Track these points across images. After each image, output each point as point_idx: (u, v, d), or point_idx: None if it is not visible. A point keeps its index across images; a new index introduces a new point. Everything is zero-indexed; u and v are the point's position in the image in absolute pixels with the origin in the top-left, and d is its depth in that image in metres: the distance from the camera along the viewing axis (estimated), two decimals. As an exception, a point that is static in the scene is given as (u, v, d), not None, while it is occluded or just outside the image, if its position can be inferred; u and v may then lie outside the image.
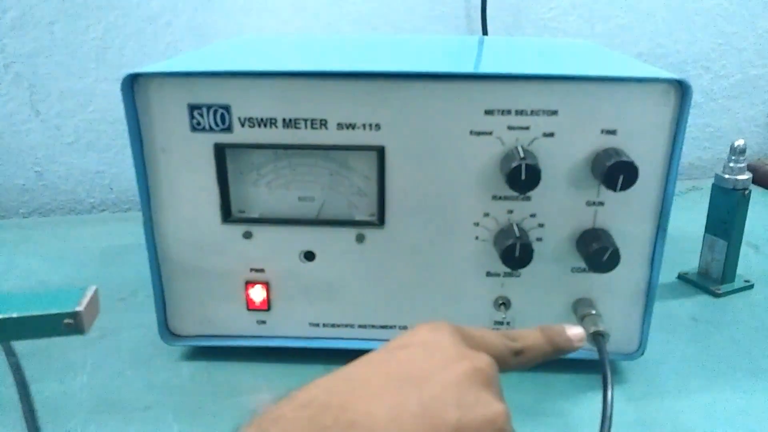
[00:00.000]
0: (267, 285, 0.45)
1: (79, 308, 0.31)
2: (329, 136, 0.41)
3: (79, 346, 0.48)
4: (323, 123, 0.40)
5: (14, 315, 0.31)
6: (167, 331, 0.46)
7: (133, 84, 0.40)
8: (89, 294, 0.33)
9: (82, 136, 0.76)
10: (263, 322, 0.46)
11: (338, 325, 0.46)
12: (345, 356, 0.46)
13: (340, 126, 0.40)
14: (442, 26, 0.81)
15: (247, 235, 0.44)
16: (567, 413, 0.41)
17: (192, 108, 0.41)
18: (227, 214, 0.43)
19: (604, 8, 0.84)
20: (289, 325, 0.46)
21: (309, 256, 0.44)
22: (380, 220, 0.43)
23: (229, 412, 0.41)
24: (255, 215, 0.43)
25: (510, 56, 0.53)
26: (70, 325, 0.31)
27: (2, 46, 0.71)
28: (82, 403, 0.42)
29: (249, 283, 0.45)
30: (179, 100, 0.40)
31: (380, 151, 0.41)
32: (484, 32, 0.80)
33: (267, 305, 0.45)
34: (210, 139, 0.41)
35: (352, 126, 0.40)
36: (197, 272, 0.45)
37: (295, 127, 0.41)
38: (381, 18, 0.79)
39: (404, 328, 0.46)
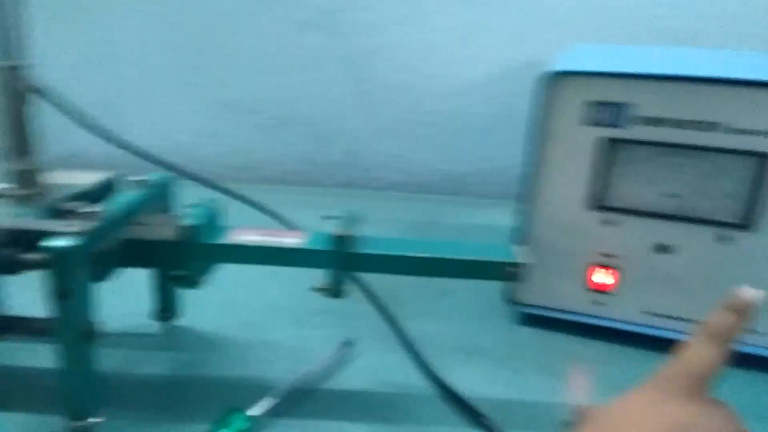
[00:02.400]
0: (615, 270, 0.49)
1: (522, 260, 0.38)
2: (714, 139, 0.44)
3: (426, 299, 0.57)
4: (712, 126, 0.43)
5: (472, 258, 0.38)
6: (512, 297, 0.52)
7: (548, 80, 0.46)
8: (522, 251, 0.39)
9: (392, 125, 0.87)
10: (602, 303, 0.50)
11: (674, 318, 0.49)
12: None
13: (727, 130, 0.43)
14: (742, 44, 0.79)
15: (608, 222, 0.48)
16: None
17: (591, 104, 0.46)
18: (594, 202, 0.48)
19: None
20: (626, 310, 0.50)
21: (664, 249, 0.48)
22: (746, 224, 0.44)
23: (565, 375, 0.47)
24: (619, 205, 0.48)
25: None
26: (511, 273, 0.38)
27: (344, 41, 0.84)
28: (445, 344, 0.50)
29: (596, 266, 0.50)
30: (580, 96, 0.46)
31: (764, 158, 0.43)
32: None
33: (610, 288, 0.50)
34: (599, 133, 0.46)
35: (740, 131, 0.43)
36: (552, 249, 0.50)
37: (683, 128, 0.44)
38: (681, 32, 0.79)
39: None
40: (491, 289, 0.57)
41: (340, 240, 0.38)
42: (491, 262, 0.38)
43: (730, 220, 0.45)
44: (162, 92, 0.90)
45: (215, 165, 0.92)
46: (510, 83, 0.84)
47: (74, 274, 0.34)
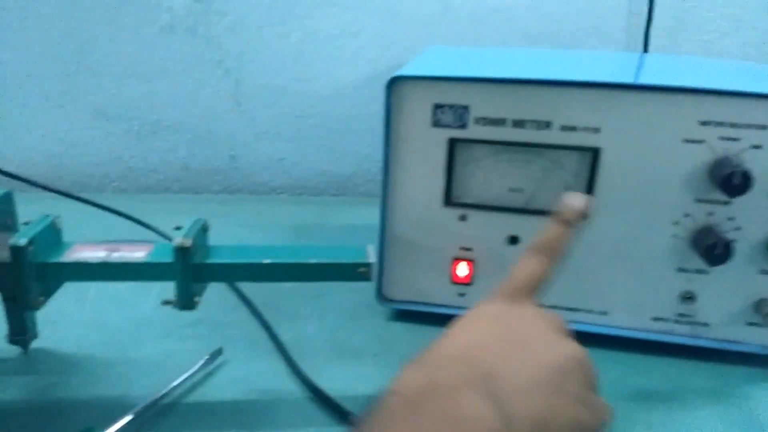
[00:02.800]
0: (472, 262, 0.52)
1: (371, 260, 0.39)
2: (551, 137, 0.47)
3: (301, 302, 0.57)
4: (547, 124, 0.47)
5: (321, 261, 0.39)
6: (382, 295, 0.54)
7: (392, 84, 0.48)
8: (371, 251, 0.40)
9: (272, 128, 0.87)
10: (463, 294, 0.53)
11: (533, 304, 0.52)
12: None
13: (563, 128, 0.47)
14: (599, 42, 0.85)
15: (463, 218, 0.51)
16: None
17: (436, 107, 0.48)
18: (449, 199, 0.50)
19: (762, 34, 0.85)
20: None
21: (514, 240, 0.51)
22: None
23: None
24: (471, 201, 0.50)
25: (700, 72, 0.58)
26: (363, 272, 0.39)
27: (218, 44, 0.83)
28: (318, 346, 0.50)
29: (456, 260, 0.52)
30: (426, 99, 0.48)
31: (595, 152, 0.47)
32: (645, 49, 0.83)
33: (469, 280, 0.52)
34: (446, 134, 0.49)
35: (573, 128, 0.46)
36: (414, 247, 0.52)
37: (522, 127, 0.47)
38: (543, 33, 0.85)
39: (590, 312, 0.51)
40: (366, 288, 0.58)
41: (184, 251, 0.38)
42: (342, 264, 0.39)
43: (570, 210, 0.49)
44: (24, 102, 0.84)
45: (87, 176, 0.88)
46: (383, 84, 0.86)
47: None
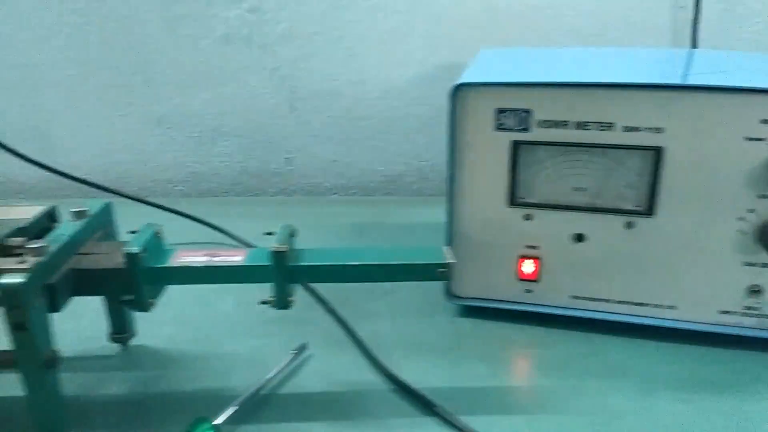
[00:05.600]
0: (538, 260, 0.54)
1: (451, 261, 0.42)
2: (613, 137, 0.49)
3: (372, 299, 0.60)
4: (610, 125, 0.49)
5: (403, 262, 0.42)
6: (450, 293, 0.57)
7: (456, 91, 0.50)
8: (449, 251, 0.43)
9: (324, 130, 0.90)
10: (530, 291, 0.55)
11: (598, 299, 0.54)
12: (601, 327, 0.55)
13: (626, 129, 0.48)
14: (645, 38, 0.86)
15: (527, 217, 0.53)
16: None
17: (499, 111, 0.50)
18: (513, 199, 0.53)
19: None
20: (553, 296, 0.55)
21: (579, 237, 0.53)
22: (649, 210, 0.50)
23: (509, 360, 0.51)
24: (535, 201, 0.53)
25: (755, 70, 0.58)
26: (443, 273, 0.42)
27: (272, 52, 0.86)
28: (393, 342, 0.53)
29: (522, 257, 0.54)
30: (489, 105, 0.50)
31: (658, 151, 0.48)
32: (694, 44, 0.84)
33: (536, 277, 0.55)
34: (509, 137, 0.51)
35: (636, 129, 0.48)
36: (481, 246, 0.54)
37: (585, 129, 0.49)
38: (588, 30, 0.86)
39: (659, 306, 0.53)
40: (430, 286, 0.60)
41: (279, 255, 0.41)
42: (423, 265, 0.42)
43: (634, 207, 0.51)
44: (90, 113, 0.89)
45: (152, 181, 0.93)
46: (432, 85, 0.88)
47: (28, 308, 0.35)
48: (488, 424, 0.43)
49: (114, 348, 0.52)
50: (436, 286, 0.60)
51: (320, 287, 0.61)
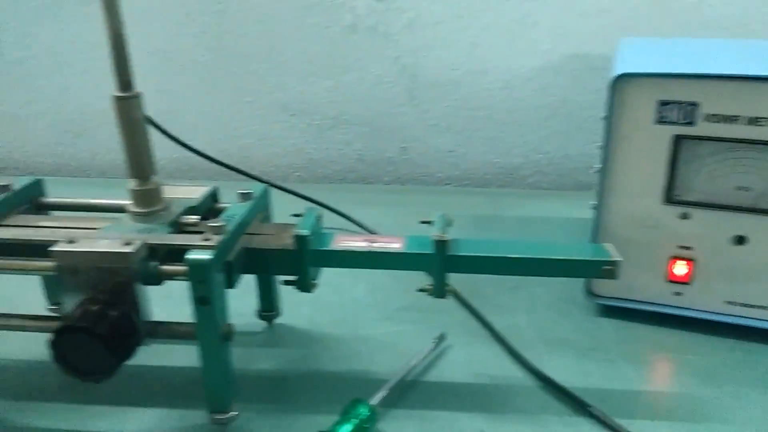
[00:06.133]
0: (692, 261, 0.51)
1: (618, 258, 0.40)
2: (791, 134, 0.45)
3: (503, 292, 0.59)
4: (786, 122, 0.45)
5: (567, 258, 0.41)
6: (590, 290, 0.55)
7: (616, 82, 0.48)
8: (613, 249, 0.42)
9: (443, 121, 0.90)
10: (680, 294, 0.53)
11: (756, 306, 0.51)
12: (757, 335, 0.51)
13: (804, 125, 0.45)
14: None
15: (684, 216, 0.50)
16: None
17: (662, 103, 0.48)
18: (670, 196, 0.50)
19: None
20: (705, 300, 0.52)
21: (740, 240, 0.49)
22: (825, 214, 0.46)
23: (658, 364, 0.49)
24: (694, 199, 0.50)
25: None
26: (608, 271, 0.40)
27: (396, 42, 0.86)
28: (531, 337, 0.52)
29: (674, 258, 0.52)
30: (652, 96, 0.48)
31: (843, 151, 0.44)
32: None
33: (688, 279, 0.52)
34: (671, 131, 0.48)
35: (817, 126, 0.45)
36: (629, 243, 0.52)
37: (757, 125, 0.46)
38: (733, 20, 0.80)
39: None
40: (563, 283, 0.59)
41: (440, 244, 0.41)
42: (588, 261, 0.41)
43: (806, 210, 0.47)
44: (218, 98, 0.93)
45: (273, 166, 0.95)
46: (557, 76, 0.86)
47: (212, 283, 0.37)
48: (647, 430, 0.41)
49: (260, 325, 0.54)
50: (570, 284, 0.58)
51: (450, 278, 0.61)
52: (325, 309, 0.57)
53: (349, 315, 0.56)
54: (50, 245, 0.37)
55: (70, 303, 0.37)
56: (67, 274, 0.37)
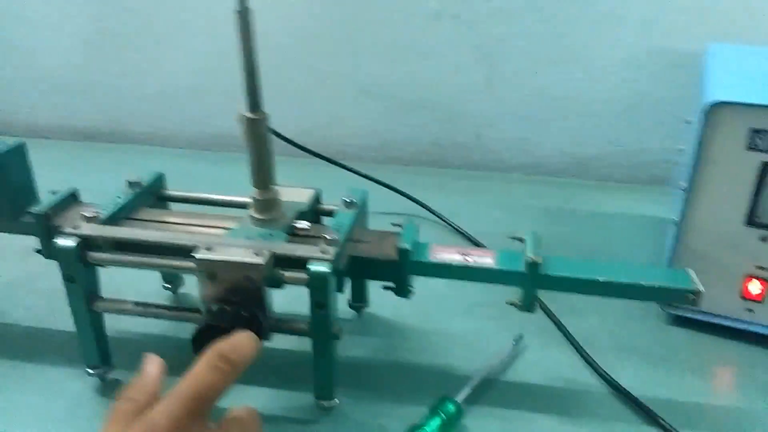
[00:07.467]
0: (766, 282, 0.53)
1: (701, 289, 0.43)
2: None
3: (577, 297, 0.62)
4: None
5: (653, 284, 0.43)
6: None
7: (710, 110, 0.49)
8: (694, 276, 0.44)
9: (519, 109, 0.91)
10: (751, 310, 0.55)
11: (829, 328, 0.53)
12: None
13: None
14: None
15: (765, 239, 0.52)
16: None
17: (754, 131, 0.49)
18: (752, 219, 0.52)
19: None
20: (777, 318, 0.54)
21: (820, 266, 0.51)
22: None
23: (729, 378, 0.52)
24: (778, 223, 0.51)
25: None
26: (692, 299, 0.43)
27: (478, 30, 0.87)
28: (603, 342, 0.56)
29: (749, 277, 0.54)
30: (744, 124, 0.49)
31: None
32: None
33: (761, 298, 0.54)
34: (760, 158, 0.50)
35: None
36: (706, 259, 0.54)
37: None
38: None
39: None
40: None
41: (535, 265, 0.44)
42: (673, 289, 0.43)
43: None
44: (299, 79, 0.96)
45: (348, 146, 0.99)
46: (639, 70, 0.85)
47: (328, 291, 0.42)
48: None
49: (350, 313, 0.59)
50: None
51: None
52: (407, 301, 0.61)
53: (431, 308, 0.61)
54: (191, 249, 0.42)
55: (207, 301, 0.43)
56: (205, 277, 0.42)
